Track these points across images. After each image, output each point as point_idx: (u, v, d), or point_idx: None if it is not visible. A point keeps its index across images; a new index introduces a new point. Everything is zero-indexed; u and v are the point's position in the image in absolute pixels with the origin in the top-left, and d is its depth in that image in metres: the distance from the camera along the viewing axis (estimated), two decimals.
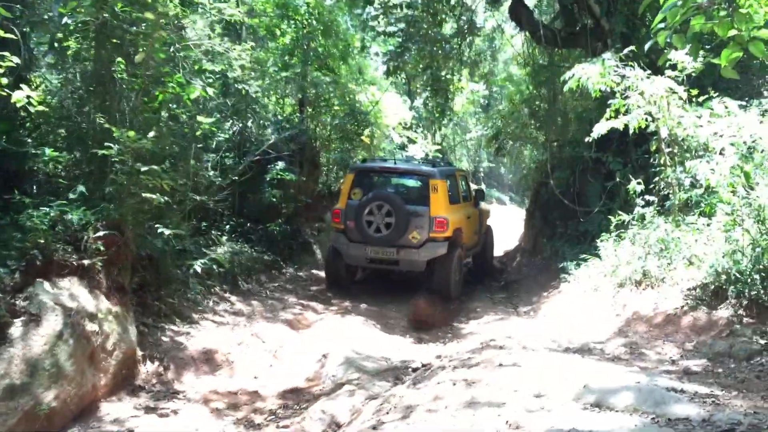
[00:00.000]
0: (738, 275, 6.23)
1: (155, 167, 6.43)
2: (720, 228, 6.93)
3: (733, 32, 4.26)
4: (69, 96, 7.62)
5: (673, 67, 7.97)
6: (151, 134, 6.56)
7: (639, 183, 8.39)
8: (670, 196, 8.12)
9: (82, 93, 7.49)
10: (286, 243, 11.63)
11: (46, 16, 7.44)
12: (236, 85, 9.91)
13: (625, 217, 8.31)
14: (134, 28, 7.09)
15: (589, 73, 8.23)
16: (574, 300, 8.57)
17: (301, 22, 14.21)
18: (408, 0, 13.04)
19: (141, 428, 5.17)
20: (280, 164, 11.26)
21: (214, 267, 8.51)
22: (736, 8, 4.26)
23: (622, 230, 8.40)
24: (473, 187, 13.42)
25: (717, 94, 8.17)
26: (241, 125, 11.37)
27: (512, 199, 35.81)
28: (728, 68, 4.48)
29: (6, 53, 5.45)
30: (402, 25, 13.29)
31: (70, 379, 5.05)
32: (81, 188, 6.16)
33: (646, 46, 5.13)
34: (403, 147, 23.28)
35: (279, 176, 11.09)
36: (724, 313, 6.28)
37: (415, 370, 6.45)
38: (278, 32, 14.53)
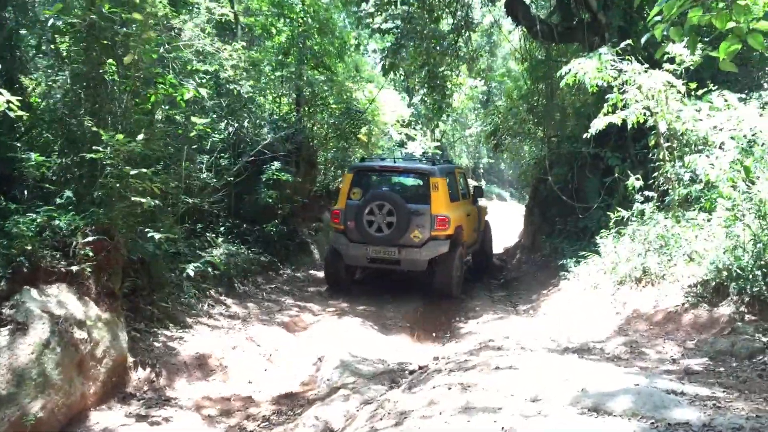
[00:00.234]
0: (739, 271, 6.12)
1: (145, 170, 6.33)
2: (720, 223, 6.83)
3: (731, 24, 4.16)
4: (60, 98, 7.53)
5: (672, 60, 7.87)
6: (141, 136, 6.44)
7: (638, 178, 8.29)
8: (670, 191, 8.02)
9: (72, 96, 7.40)
10: (283, 244, 11.54)
11: (32, 17, 7.35)
12: (228, 86, 9.80)
13: (624, 213, 8.20)
14: (124, 29, 6.99)
15: (586, 68, 8.12)
16: (574, 298, 8.47)
17: (297, 20, 14.12)
18: None
19: None
20: (276, 164, 11.16)
21: (209, 269, 8.40)
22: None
23: (622, 226, 8.29)
24: (471, 183, 13.36)
25: (716, 87, 8.06)
26: (236, 125, 11.27)
27: (513, 195, 35.72)
28: (727, 61, 4.38)
29: None
30: (398, 22, 13.13)
31: (57, 388, 4.95)
32: (68, 193, 6.04)
33: (643, 39, 5.04)
34: (402, 144, 23.20)
35: (275, 176, 10.99)
36: (725, 310, 6.17)
37: (412, 372, 6.35)
38: (274, 31, 14.44)
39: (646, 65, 7.97)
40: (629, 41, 7.97)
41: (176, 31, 7.97)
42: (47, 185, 6.53)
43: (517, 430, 3.71)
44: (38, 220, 5.60)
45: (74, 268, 5.59)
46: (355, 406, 5.39)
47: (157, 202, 6.59)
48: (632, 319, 7.04)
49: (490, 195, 34.51)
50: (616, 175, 9.74)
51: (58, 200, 6.01)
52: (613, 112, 8.17)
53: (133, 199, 6.28)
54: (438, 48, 13.77)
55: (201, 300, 8.08)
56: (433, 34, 13.52)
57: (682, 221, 7.49)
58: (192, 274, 7.63)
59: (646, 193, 8.15)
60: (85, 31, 6.88)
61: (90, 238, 5.81)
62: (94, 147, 6.17)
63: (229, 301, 8.62)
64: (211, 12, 9.04)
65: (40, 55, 7.72)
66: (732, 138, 7.22)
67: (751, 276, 6.00)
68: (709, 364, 5.43)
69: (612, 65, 8.07)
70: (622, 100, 8.09)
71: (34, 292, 5.25)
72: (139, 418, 5.40)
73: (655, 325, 6.72)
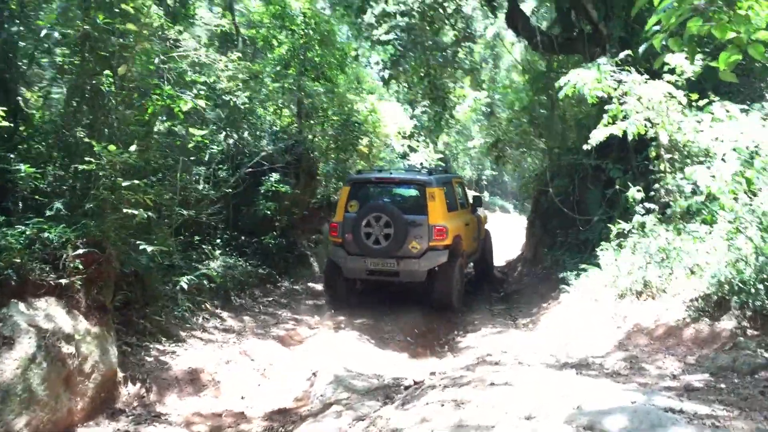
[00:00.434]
0: (741, 285, 5.99)
1: (137, 181, 6.26)
2: (722, 236, 6.70)
3: (732, 34, 4.07)
4: (55, 109, 7.50)
5: (672, 71, 7.78)
6: (133, 147, 6.38)
7: (639, 190, 8.18)
8: (671, 203, 7.90)
9: (67, 107, 7.36)
10: (282, 256, 11.45)
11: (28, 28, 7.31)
12: (223, 97, 9.75)
13: (625, 225, 8.10)
14: (121, 39, 6.95)
15: (585, 79, 8.04)
16: (574, 312, 8.33)
17: (298, 32, 14.09)
18: (402, 8, 12.87)
19: None
20: (275, 176, 11.09)
21: (205, 282, 8.32)
22: (735, 9, 4.08)
23: (623, 239, 8.18)
24: (471, 193, 13.32)
25: (718, 98, 7.96)
26: (236, 137, 11.22)
27: (516, 207, 35.59)
28: (727, 71, 4.29)
29: None
30: (398, 34, 13.11)
31: (43, 405, 4.86)
32: (58, 205, 5.97)
33: (641, 49, 4.94)
34: (404, 156, 23.13)
35: (273, 188, 10.91)
36: (727, 324, 6.04)
37: (407, 388, 6.22)
38: (275, 43, 14.43)
39: (647, 76, 7.88)
40: (629, 52, 7.88)
41: (171, 42, 7.92)
42: (41, 197, 6.47)
43: None
44: (27, 233, 5.53)
45: (63, 281, 5.50)
46: (348, 422, 5.27)
47: (150, 214, 6.51)
48: (632, 334, 6.91)
49: (494, 207, 34.44)
50: (617, 186, 9.63)
51: (48, 212, 5.93)
52: (614, 123, 8.09)
53: (125, 210, 6.21)
54: (440, 59, 13.75)
55: (196, 313, 7.98)
56: (434, 45, 13.49)
57: (684, 234, 7.36)
58: (185, 287, 7.54)
59: (647, 205, 8.04)
60: (81, 41, 6.84)
61: (80, 251, 5.73)
62: (86, 158, 6.10)
63: (224, 314, 8.52)
64: (206, 24, 9.01)
65: (36, 66, 7.68)
66: (734, 149, 7.12)
67: (753, 290, 5.86)
68: (710, 380, 5.30)
69: (611, 76, 7.99)
70: (622, 111, 8.01)
71: (21, 306, 5.17)
72: None
73: (655, 339, 6.59)
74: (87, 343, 5.50)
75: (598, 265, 8.45)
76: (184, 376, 6.39)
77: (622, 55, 8.08)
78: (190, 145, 8.60)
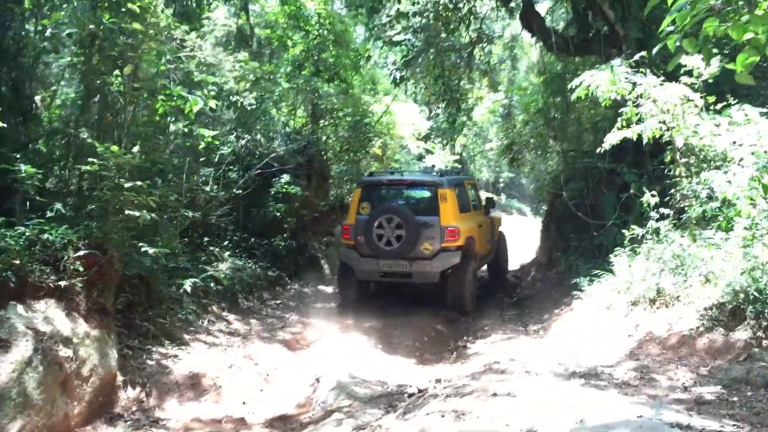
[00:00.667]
0: (757, 294, 5.79)
1: (140, 183, 6.19)
2: (738, 243, 6.50)
3: (749, 35, 3.92)
4: (62, 109, 7.46)
5: (689, 73, 7.59)
6: (136, 148, 6.32)
7: (654, 195, 7.98)
8: (687, 209, 7.70)
9: (74, 107, 7.33)
10: (292, 258, 11.38)
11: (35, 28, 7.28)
12: (231, 98, 9.69)
13: (639, 230, 7.91)
14: (130, 39, 6.89)
15: (598, 81, 7.84)
16: (586, 318, 8.15)
17: (312, 32, 14.04)
18: (416, 9, 12.74)
19: None
20: (285, 177, 11.01)
21: (212, 284, 8.24)
22: (753, 9, 3.92)
23: (637, 245, 7.99)
24: (484, 195, 13.22)
25: (736, 100, 7.74)
26: (247, 137, 11.16)
27: (533, 209, 35.26)
28: (744, 73, 4.14)
29: None
30: (411, 34, 12.99)
31: (38, 409, 4.80)
32: (58, 206, 5.92)
33: (654, 51, 4.78)
34: (420, 158, 22.99)
35: (284, 189, 10.84)
36: (741, 335, 5.85)
37: (411, 395, 6.10)
38: (290, 43, 14.38)
39: (662, 78, 7.69)
40: (643, 53, 7.69)
41: (178, 42, 7.86)
42: (44, 198, 6.42)
43: None
44: (27, 234, 5.48)
45: (63, 284, 5.46)
46: (347, 431, 5.16)
47: (153, 215, 6.43)
48: (644, 343, 6.72)
49: (511, 210, 34.14)
50: (632, 191, 9.42)
51: (49, 213, 5.88)
52: (628, 127, 7.90)
53: (127, 212, 6.14)
54: (457, 60, 13.60)
55: (201, 316, 7.91)
56: (448, 46, 13.34)
57: (699, 240, 7.16)
58: (189, 289, 7.44)
59: (662, 210, 7.84)
60: (86, 41, 6.80)
61: (81, 253, 5.68)
62: (89, 159, 6.05)
63: (231, 317, 8.45)
64: (225, 25, 8.95)
65: (42, 65, 7.65)
66: (752, 154, 6.91)
67: None
68: (722, 392, 5.12)
69: (626, 78, 7.80)
70: (636, 114, 7.82)
71: (20, 308, 5.13)
72: None
73: (668, 349, 6.40)
74: (86, 347, 5.44)
75: (611, 271, 8.25)
76: (185, 380, 6.31)
77: (637, 56, 7.88)
78: (200, 146, 8.53)
